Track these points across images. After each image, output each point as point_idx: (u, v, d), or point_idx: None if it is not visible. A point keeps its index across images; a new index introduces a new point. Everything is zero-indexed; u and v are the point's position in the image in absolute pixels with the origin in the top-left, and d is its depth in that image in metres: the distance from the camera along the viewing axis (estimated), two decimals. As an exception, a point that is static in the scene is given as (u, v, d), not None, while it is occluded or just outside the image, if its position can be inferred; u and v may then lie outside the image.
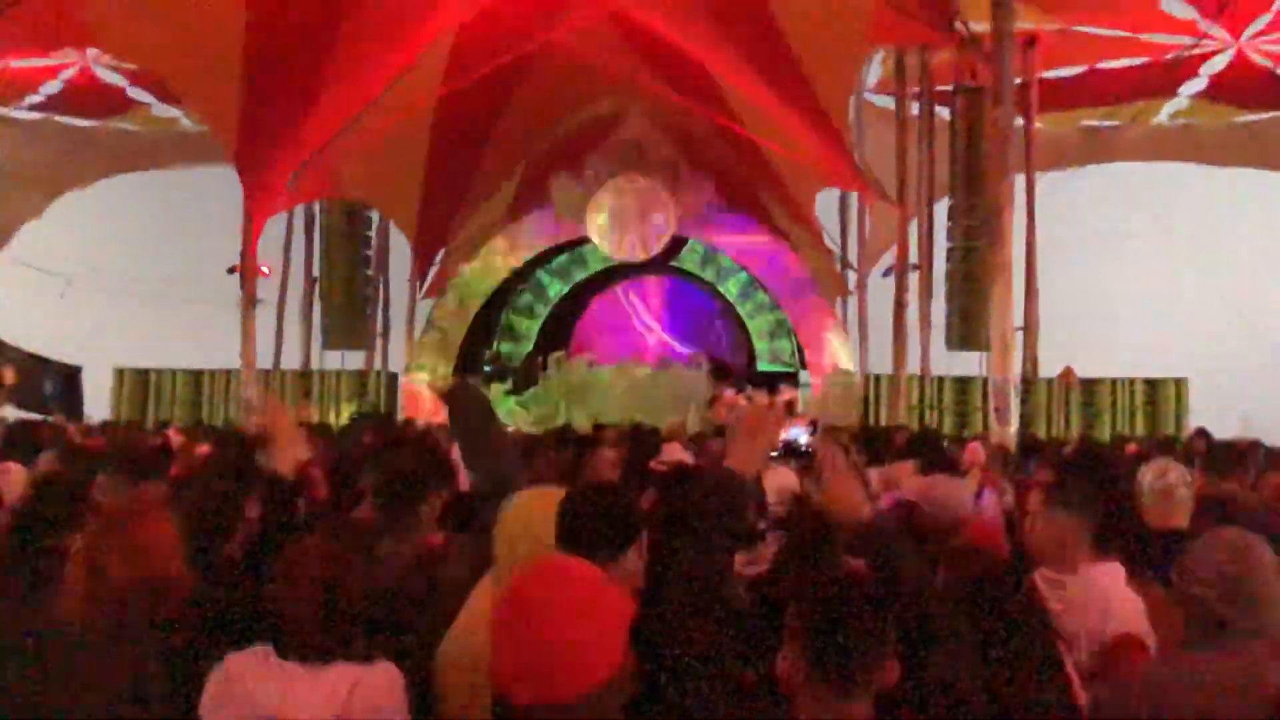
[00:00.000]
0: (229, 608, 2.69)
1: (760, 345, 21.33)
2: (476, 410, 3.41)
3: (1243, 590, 2.34)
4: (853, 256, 20.54)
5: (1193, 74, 16.78)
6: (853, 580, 1.92)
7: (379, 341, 21.69)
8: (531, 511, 2.50)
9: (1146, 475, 4.12)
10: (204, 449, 6.88)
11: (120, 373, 20.06)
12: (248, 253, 14.75)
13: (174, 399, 19.83)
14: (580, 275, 21.73)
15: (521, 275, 21.41)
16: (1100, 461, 5.86)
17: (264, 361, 18.89)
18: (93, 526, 2.62)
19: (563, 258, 21.48)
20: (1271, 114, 18.51)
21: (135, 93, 18.82)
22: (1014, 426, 10.10)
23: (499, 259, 21.01)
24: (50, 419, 9.42)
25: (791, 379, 20.37)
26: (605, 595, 1.71)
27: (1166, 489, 4.01)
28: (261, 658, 2.31)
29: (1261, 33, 15.07)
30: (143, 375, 20.06)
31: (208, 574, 2.83)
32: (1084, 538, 3.38)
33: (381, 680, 2.34)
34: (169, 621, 2.46)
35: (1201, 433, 11.34)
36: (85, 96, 18.97)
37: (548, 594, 1.68)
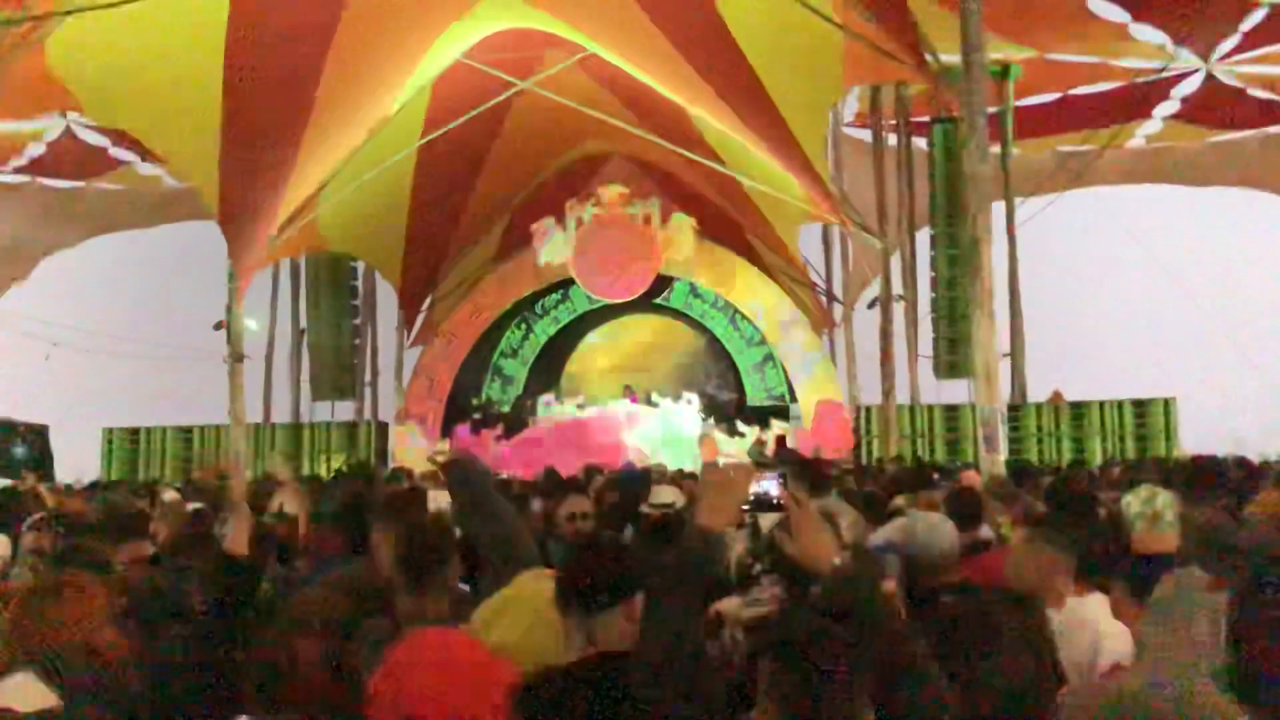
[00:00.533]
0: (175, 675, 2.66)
1: (749, 380, 21.35)
2: (478, 480, 3.42)
3: None
4: (837, 289, 20.65)
5: (1165, 97, 16.99)
6: (823, 633, 1.93)
7: (368, 391, 21.69)
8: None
9: (1133, 502, 4.14)
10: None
11: (109, 432, 19.99)
12: (234, 308, 14.78)
13: (164, 456, 19.74)
14: (567, 317, 21.77)
15: (509, 318, 21.43)
16: (1078, 491, 5.85)
17: (254, 416, 18.90)
18: (16, 602, 2.61)
19: (549, 300, 21.52)
20: (1244, 133, 18.73)
21: (118, 152, 18.87)
22: (1003, 453, 10.10)
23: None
24: (21, 484, 9.36)
25: (782, 413, 20.38)
26: (482, 666, 1.69)
27: (1154, 514, 4.03)
28: None
29: (1229, 54, 15.28)
30: (132, 434, 19.99)
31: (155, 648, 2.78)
32: (1067, 570, 3.40)
33: None
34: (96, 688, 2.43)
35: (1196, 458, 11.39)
36: (68, 158, 19.02)
37: (424, 664, 1.66)
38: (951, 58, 10.53)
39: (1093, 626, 3.25)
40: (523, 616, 2.45)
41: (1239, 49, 15.10)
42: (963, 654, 2.26)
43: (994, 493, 5.89)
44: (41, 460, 18.51)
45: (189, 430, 19.89)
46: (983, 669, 2.26)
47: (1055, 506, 4.96)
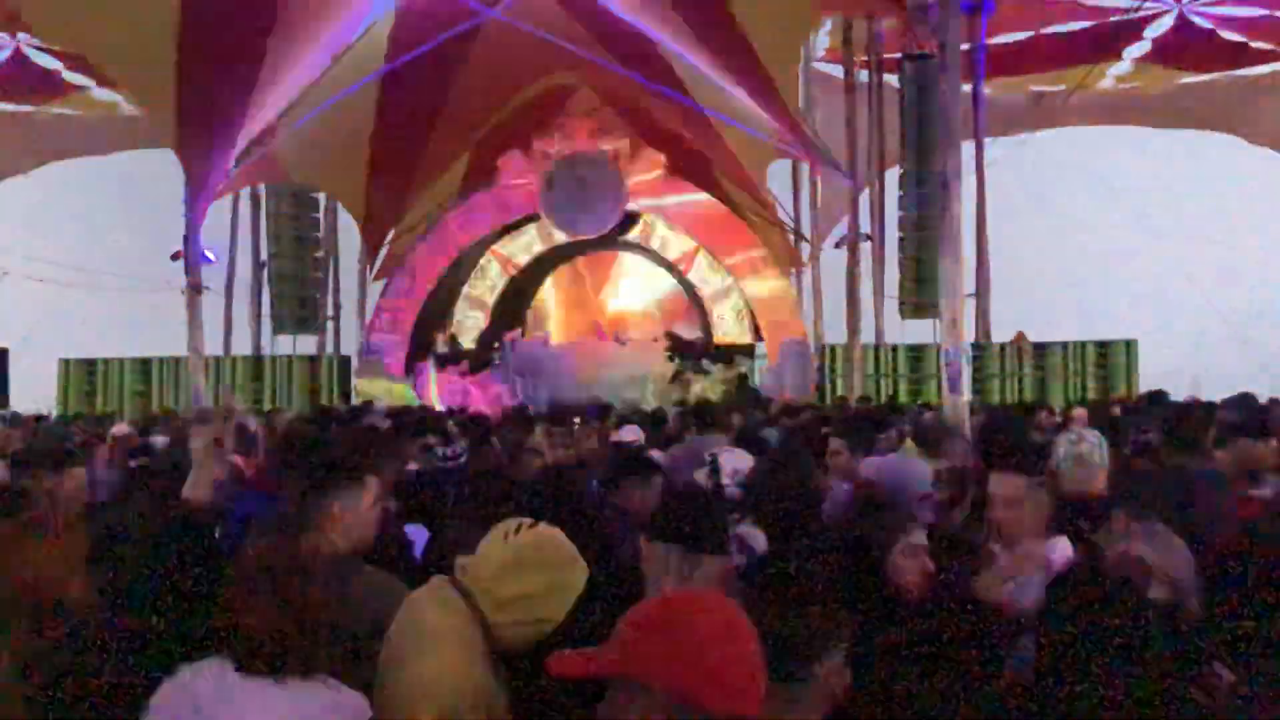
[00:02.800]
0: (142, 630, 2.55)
1: (716, 319, 21.30)
2: None
3: None
4: (806, 228, 20.56)
5: (1137, 38, 16.90)
6: (798, 575, 1.90)
7: (330, 325, 21.47)
8: (504, 552, 2.45)
9: (1061, 444, 4.13)
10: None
11: (66, 364, 19.67)
12: (191, 238, 14.46)
13: (122, 389, 19.48)
14: (533, 252, 21.54)
15: (474, 254, 21.19)
16: (1014, 430, 5.89)
17: (214, 349, 18.65)
18: None
19: (515, 234, 21.27)
20: (1214, 75, 18.70)
21: (71, 76, 18.34)
22: (967, 394, 10.12)
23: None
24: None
25: (749, 352, 20.37)
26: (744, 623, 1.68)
27: (1080, 456, 4.01)
28: (219, 673, 2.17)
29: (1203, -5, 15.21)
30: (89, 365, 19.68)
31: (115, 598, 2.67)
32: (1042, 513, 3.37)
33: (357, 706, 2.23)
34: (61, 641, 2.29)
35: (1157, 395, 11.50)
36: (19, 81, 18.47)
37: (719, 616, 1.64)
38: (925, -8, 10.38)
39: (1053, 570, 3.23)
40: (541, 570, 2.42)
41: (1212, -10, 15.03)
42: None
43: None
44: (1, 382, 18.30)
45: (147, 362, 19.59)
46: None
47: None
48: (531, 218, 20.41)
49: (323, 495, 3.03)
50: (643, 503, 3.88)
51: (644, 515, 3.39)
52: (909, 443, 5.91)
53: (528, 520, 2.50)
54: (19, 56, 17.43)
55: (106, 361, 19.72)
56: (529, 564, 2.41)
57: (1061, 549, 3.27)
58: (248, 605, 2.20)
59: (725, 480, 4.40)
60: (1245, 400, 8.95)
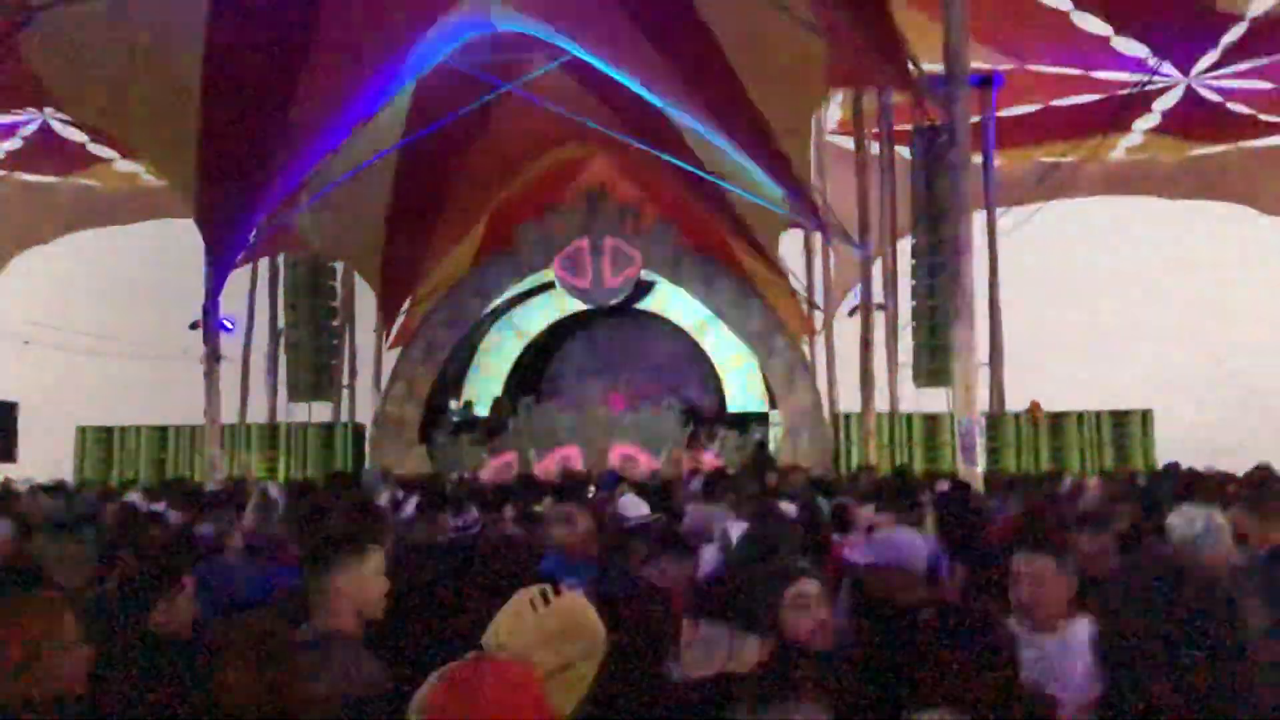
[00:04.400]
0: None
1: (730, 386, 21.32)
2: None
3: None
4: (819, 296, 20.65)
5: (1145, 110, 17.07)
6: None
7: (345, 393, 21.58)
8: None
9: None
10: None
11: (82, 430, 19.78)
12: (210, 307, 14.64)
13: (138, 456, 19.55)
14: (548, 321, 21.69)
15: (489, 322, 21.34)
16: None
17: (229, 416, 18.76)
18: None
19: (530, 303, 21.44)
20: (1223, 147, 18.86)
21: (96, 148, 18.76)
22: (981, 463, 10.10)
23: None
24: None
25: (762, 420, 20.34)
26: (529, 694, 1.66)
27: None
28: None
29: (1210, 69, 15.38)
30: (106, 432, 19.79)
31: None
32: (1067, 592, 3.28)
33: None
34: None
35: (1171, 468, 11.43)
36: (46, 153, 18.89)
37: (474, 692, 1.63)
38: (934, 66, 10.55)
39: (1087, 652, 3.14)
40: (579, 638, 2.40)
41: (1219, 64, 15.21)
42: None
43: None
44: (7, 436, 18.40)
45: (164, 430, 19.69)
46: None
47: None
48: (546, 285, 20.56)
49: (324, 570, 3.02)
50: (677, 579, 3.87)
51: (678, 591, 3.39)
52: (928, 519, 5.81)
53: (545, 587, 2.48)
54: (46, 130, 17.84)
55: (123, 429, 19.83)
56: (569, 632, 2.38)
57: (1085, 628, 3.22)
58: (227, 684, 2.21)
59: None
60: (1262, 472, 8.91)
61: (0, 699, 2.22)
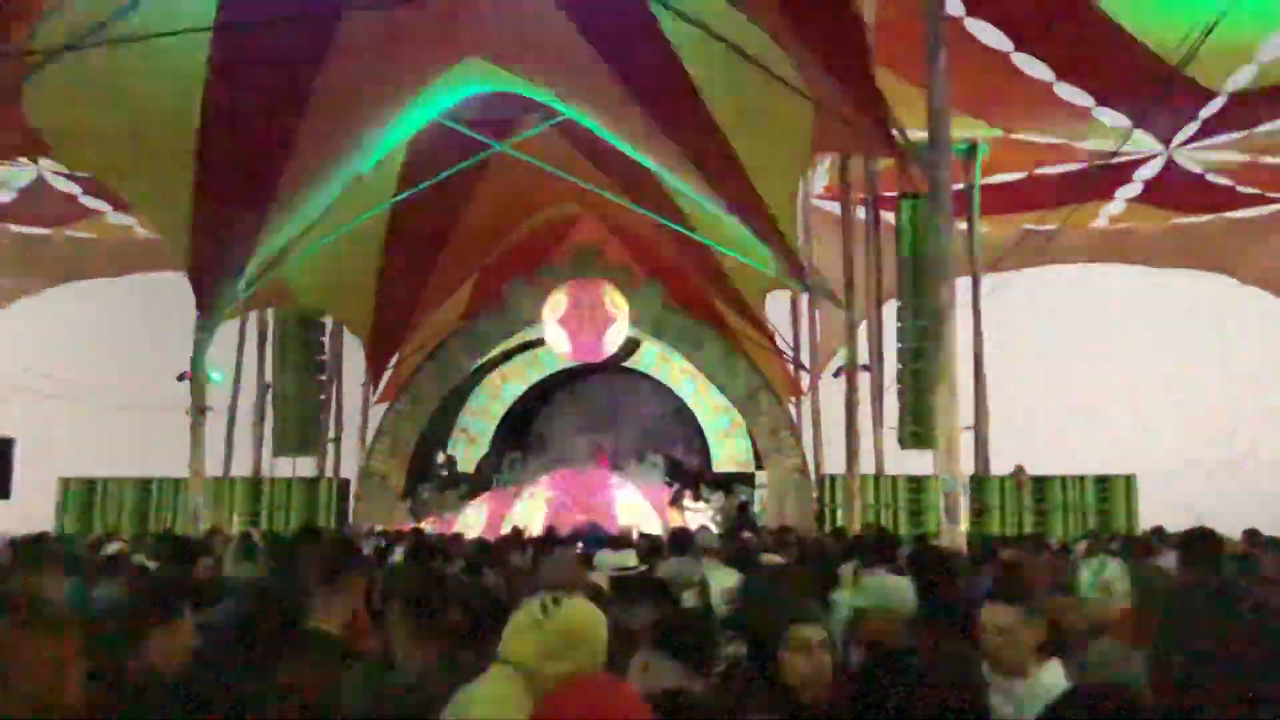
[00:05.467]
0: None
1: (716, 446, 21.38)
2: None
3: None
4: (805, 358, 20.78)
5: (1127, 179, 17.37)
6: None
7: (331, 447, 21.52)
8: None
9: (1084, 571, 4.17)
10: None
11: (65, 482, 19.65)
12: (198, 360, 14.66)
13: (121, 508, 19.41)
14: (535, 378, 21.77)
15: (476, 379, 21.40)
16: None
17: (214, 469, 18.68)
18: None
19: (518, 360, 21.53)
20: (1204, 217, 19.16)
21: (88, 200, 18.83)
22: (964, 525, 10.13)
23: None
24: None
25: (748, 480, 20.37)
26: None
27: (1104, 584, 4.05)
28: None
29: (1190, 140, 15.67)
30: (89, 484, 19.66)
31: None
32: (1035, 638, 3.38)
33: None
34: None
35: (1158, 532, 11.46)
36: (39, 205, 18.96)
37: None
38: (919, 134, 10.74)
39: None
40: (586, 643, 2.44)
41: (1199, 135, 15.50)
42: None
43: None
44: (3, 473, 18.22)
45: (148, 482, 19.59)
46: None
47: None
48: (534, 343, 20.66)
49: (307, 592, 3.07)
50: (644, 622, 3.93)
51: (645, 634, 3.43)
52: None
53: (549, 596, 2.51)
54: (40, 182, 17.93)
55: (106, 481, 19.71)
56: (576, 639, 2.41)
57: (1053, 674, 3.28)
58: None
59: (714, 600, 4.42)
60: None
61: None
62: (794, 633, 2.84)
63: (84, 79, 11.06)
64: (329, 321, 20.66)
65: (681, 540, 7.22)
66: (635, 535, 10.68)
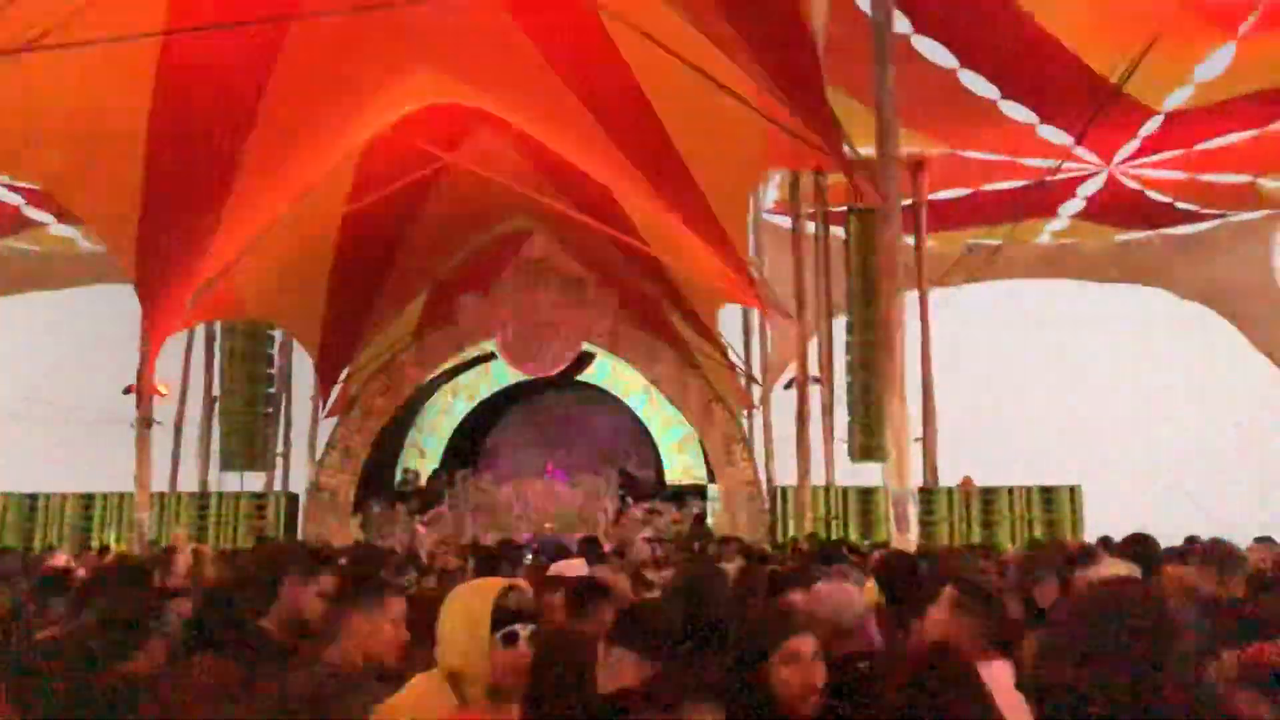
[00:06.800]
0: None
1: (669, 459, 21.43)
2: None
3: None
4: (756, 371, 20.92)
5: (1070, 196, 17.72)
6: None
7: (279, 461, 21.26)
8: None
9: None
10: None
11: (4, 496, 19.21)
12: (144, 372, 14.46)
13: (62, 524, 18.99)
14: (487, 392, 21.70)
15: (427, 392, 21.28)
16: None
17: (160, 484, 18.38)
18: None
19: (469, 374, 21.44)
20: (1145, 233, 19.60)
21: (31, 212, 18.51)
22: (913, 535, 10.25)
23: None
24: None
25: (700, 492, 20.43)
26: None
27: None
28: None
29: (1130, 158, 16.04)
30: (28, 499, 19.23)
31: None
32: (982, 637, 3.43)
33: None
34: None
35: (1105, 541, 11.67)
36: (-22, 215, 18.61)
37: None
38: (868, 150, 10.90)
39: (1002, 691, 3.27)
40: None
41: (1138, 153, 15.87)
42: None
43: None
44: None
45: (90, 497, 19.19)
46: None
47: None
48: (486, 357, 20.59)
49: (342, 606, 3.05)
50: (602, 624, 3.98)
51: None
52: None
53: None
54: (-18, 192, 17.61)
55: (48, 496, 19.29)
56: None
57: (1003, 671, 3.33)
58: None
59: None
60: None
61: None
62: (784, 643, 2.84)
63: (24, 82, 10.87)
64: (278, 333, 20.44)
65: (622, 553, 7.28)
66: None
